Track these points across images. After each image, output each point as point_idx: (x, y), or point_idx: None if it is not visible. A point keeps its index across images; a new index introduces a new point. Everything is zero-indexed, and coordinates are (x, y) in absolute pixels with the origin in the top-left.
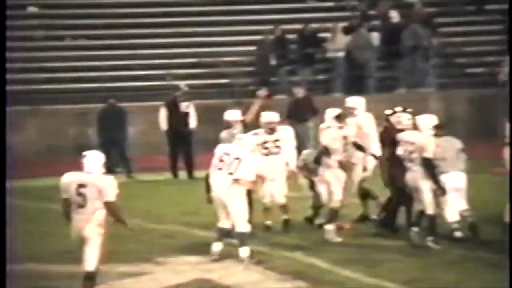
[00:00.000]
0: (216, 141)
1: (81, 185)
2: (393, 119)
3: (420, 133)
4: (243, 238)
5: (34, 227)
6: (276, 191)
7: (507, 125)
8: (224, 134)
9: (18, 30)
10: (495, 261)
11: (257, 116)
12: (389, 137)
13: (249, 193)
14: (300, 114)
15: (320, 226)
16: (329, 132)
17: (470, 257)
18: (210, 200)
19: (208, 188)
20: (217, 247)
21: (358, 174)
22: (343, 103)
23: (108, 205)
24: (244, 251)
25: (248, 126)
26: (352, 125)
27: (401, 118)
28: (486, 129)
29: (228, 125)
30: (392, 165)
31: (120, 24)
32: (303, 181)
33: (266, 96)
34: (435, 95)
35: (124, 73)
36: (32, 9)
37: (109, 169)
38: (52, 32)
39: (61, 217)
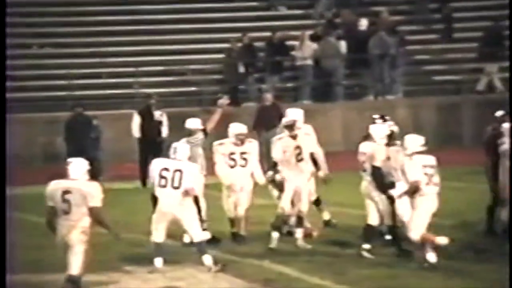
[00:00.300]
0: None
1: (66, 192)
2: None
3: (372, 142)
4: (202, 247)
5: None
6: (240, 203)
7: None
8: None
9: None
10: (460, 268)
11: (219, 124)
12: None
13: (195, 199)
14: (268, 121)
15: (288, 233)
16: (282, 142)
17: (438, 265)
18: None
19: (155, 204)
20: (158, 262)
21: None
22: (311, 110)
23: (93, 210)
24: (207, 259)
25: (208, 135)
26: (307, 136)
27: (391, 128)
28: (453, 136)
29: (190, 133)
30: None
31: (88, 32)
32: (273, 190)
33: (227, 104)
34: (402, 102)
35: (92, 81)
36: None
37: None
38: (19, 40)
39: (30, 226)
